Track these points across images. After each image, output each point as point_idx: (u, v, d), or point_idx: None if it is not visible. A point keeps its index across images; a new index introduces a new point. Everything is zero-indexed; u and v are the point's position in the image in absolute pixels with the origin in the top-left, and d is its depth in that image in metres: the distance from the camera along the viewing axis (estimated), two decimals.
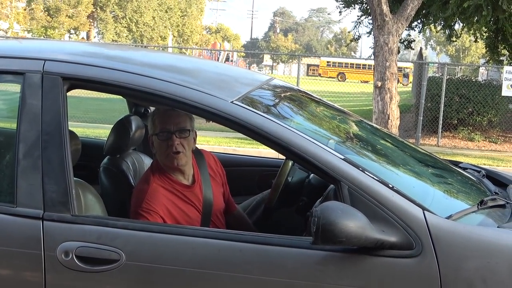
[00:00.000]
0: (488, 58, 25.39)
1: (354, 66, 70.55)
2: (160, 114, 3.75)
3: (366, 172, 2.92)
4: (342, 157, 2.97)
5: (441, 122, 18.53)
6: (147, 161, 4.38)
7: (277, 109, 3.64)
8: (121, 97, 4.16)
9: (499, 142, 19.21)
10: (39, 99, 3.06)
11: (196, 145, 3.93)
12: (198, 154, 4.04)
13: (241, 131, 3.05)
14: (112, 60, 3.50)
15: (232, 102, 3.06)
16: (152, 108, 4.92)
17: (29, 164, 3.00)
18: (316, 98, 4.32)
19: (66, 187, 2.99)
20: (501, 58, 25.13)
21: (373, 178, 2.91)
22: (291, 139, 2.95)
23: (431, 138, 19.22)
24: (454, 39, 23.41)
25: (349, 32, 26.48)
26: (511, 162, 15.84)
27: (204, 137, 16.62)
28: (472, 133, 19.35)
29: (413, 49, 27.04)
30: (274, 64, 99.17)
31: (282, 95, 4.01)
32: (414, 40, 24.73)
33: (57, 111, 3.05)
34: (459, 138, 19.39)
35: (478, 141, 19.13)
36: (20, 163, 3.01)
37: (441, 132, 18.78)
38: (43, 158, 3.00)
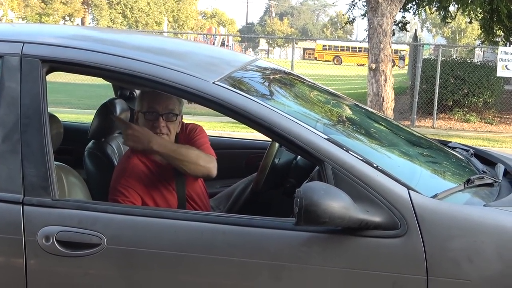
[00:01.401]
0: (483, 39, 25.33)
1: (350, 49, 70.49)
2: (150, 93, 3.70)
3: (350, 152, 2.89)
4: (326, 137, 2.93)
5: (436, 103, 18.49)
6: None
7: (260, 89, 3.61)
8: None
9: (494, 123, 19.18)
10: (18, 82, 3.01)
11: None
12: None
13: (223, 112, 3.01)
14: (93, 42, 3.45)
15: (213, 82, 3.02)
16: (137, 91, 4.88)
17: (8, 148, 2.96)
18: (303, 79, 4.27)
19: (46, 171, 2.94)
20: (497, 39, 25.06)
21: (357, 158, 2.87)
22: (273, 120, 2.90)
23: (426, 120, 19.18)
24: (449, 20, 23.36)
25: (343, 15, 26.35)
26: (506, 142, 15.81)
27: (198, 121, 16.51)
28: (468, 115, 19.30)
29: (408, 31, 27.01)
30: (270, 48, 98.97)
31: (266, 76, 3.98)
32: (408, 22, 24.62)
33: (36, 94, 3.00)
34: (454, 120, 19.36)
35: (474, 122, 19.09)
36: None
37: (437, 113, 18.75)
38: (23, 142, 2.95)
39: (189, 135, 3.98)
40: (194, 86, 2.98)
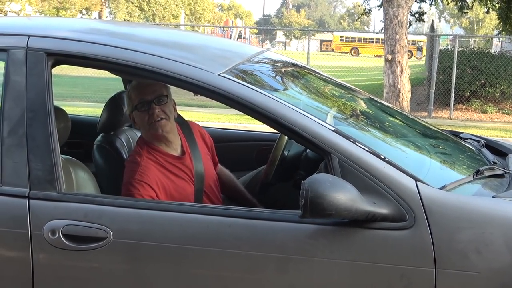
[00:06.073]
0: (500, 29, 25.14)
1: (368, 40, 70.27)
2: (135, 87, 3.71)
3: (357, 144, 2.86)
4: (333, 128, 2.90)
5: (453, 94, 18.41)
6: None
7: (267, 81, 3.58)
8: None
9: None
10: (23, 75, 3.00)
11: (204, 122, 3.88)
12: (184, 124, 3.99)
13: (229, 104, 2.98)
14: (99, 35, 3.43)
15: (219, 74, 3.00)
16: None
17: (13, 142, 2.95)
18: (313, 71, 4.25)
19: (52, 165, 2.93)
20: None
21: (364, 149, 2.84)
22: (279, 111, 2.88)
23: (443, 111, 19.09)
24: (466, 10, 23.21)
25: (359, 6, 26.27)
26: None
27: (214, 114, 16.59)
28: (485, 105, 19.21)
29: (425, 21, 26.81)
30: (287, 40, 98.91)
31: (274, 67, 3.95)
32: (425, 13, 24.50)
33: (42, 87, 2.99)
34: (471, 111, 19.26)
35: (491, 113, 18.99)
36: (4, 141, 2.96)
37: (454, 104, 18.66)
38: (28, 135, 2.95)
39: (208, 139, 4.13)
40: (199, 78, 2.96)
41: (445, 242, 2.70)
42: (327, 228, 2.76)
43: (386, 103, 4.30)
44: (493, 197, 2.93)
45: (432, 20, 30.13)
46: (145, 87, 3.66)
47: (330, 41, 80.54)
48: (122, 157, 3.99)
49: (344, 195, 2.61)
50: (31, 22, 3.90)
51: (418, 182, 2.78)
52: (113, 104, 4.12)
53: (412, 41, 55.33)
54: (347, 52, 67.43)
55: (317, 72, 4.25)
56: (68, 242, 2.84)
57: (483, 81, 19.11)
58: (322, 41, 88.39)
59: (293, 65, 4.22)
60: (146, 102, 3.64)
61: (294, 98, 3.44)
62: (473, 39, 48.14)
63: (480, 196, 3.05)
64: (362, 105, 4.07)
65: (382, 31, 15.02)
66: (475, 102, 19.29)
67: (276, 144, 4.01)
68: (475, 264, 2.68)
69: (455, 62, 18.30)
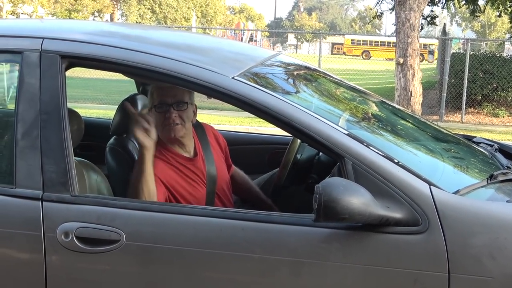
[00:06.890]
0: None
1: (379, 43, 70.21)
2: (158, 86, 3.70)
3: (371, 147, 2.85)
4: (346, 132, 2.90)
5: (464, 98, 18.37)
6: None
7: (280, 84, 3.57)
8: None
9: None
10: (37, 78, 3.01)
11: (215, 124, 3.89)
12: (199, 127, 4.00)
13: (242, 107, 2.98)
14: (112, 37, 3.44)
15: (233, 77, 2.99)
16: None
17: (27, 144, 2.96)
18: (326, 74, 4.24)
19: (65, 167, 2.94)
20: None
21: (377, 153, 2.83)
22: (292, 114, 2.87)
23: (455, 115, 19.05)
24: (478, 14, 23.16)
25: (371, 9, 26.26)
26: None
27: (226, 117, 16.61)
28: (497, 109, 19.15)
29: (437, 25, 26.72)
30: (299, 43, 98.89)
31: (287, 70, 3.95)
32: (437, 16, 24.44)
33: (56, 90, 3.00)
34: (483, 114, 19.21)
35: (503, 116, 18.94)
36: (18, 143, 2.96)
37: (465, 108, 18.62)
38: (42, 138, 2.95)
39: (222, 141, 4.12)
40: (213, 81, 2.96)
41: (459, 246, 2.69)
42: (341, 232, 2.75)
43: (397, 106, 4.29)
44: (507, 201, 2.92)
45: (444, 24, 30.13)
46: (167, 89, 3.65)
47: (342, 44, 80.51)
48: (134, 159, 3.97)
49: (358, 199, 2.60)
50: (45, 25, 3.91)
51: (432, 187, 2.78)
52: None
53: (424, 44, 55.28)
54: (358, 55, 67.31)
55: (329, 75, 4.24)
56: (81, 245, 2.84)
57: (495, 85, 19.07)
58: (333, 44, 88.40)
59: (306, 68, 4.22)
60: (165, 104, 3.64)
61: (306, 101, 3.44)
62: (485, 42, 48.04)
63: (494, 200, 3.04)
64: (374, 108, 4.07)
65: (394, 34, 15.00)
66: (487, 106, 19.25)
67: (289, 147, 4.01)
68: (489, 269, 2.66)
69: (467, 66, 18.26)
